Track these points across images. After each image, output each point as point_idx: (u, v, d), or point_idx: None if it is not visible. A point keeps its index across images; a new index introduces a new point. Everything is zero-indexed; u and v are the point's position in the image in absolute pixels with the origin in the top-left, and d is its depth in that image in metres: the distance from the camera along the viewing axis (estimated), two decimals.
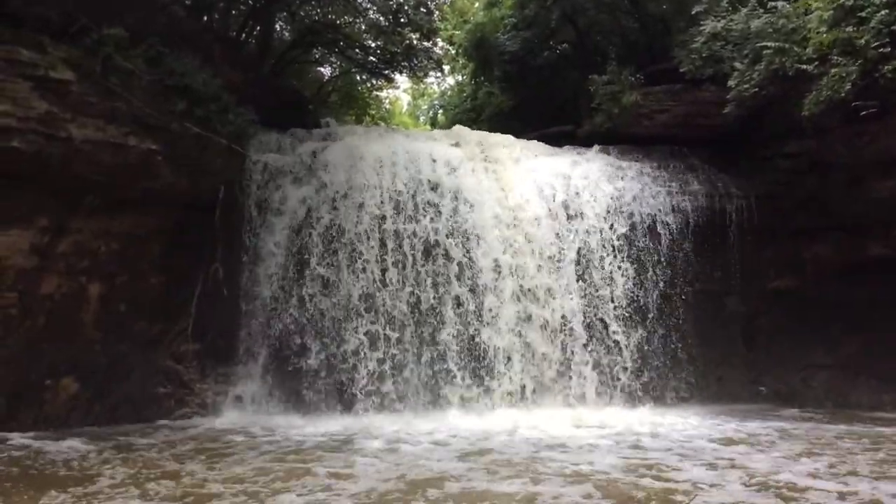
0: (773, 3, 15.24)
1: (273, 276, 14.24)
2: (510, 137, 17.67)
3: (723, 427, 12.66)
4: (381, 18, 20.55)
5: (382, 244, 14.47)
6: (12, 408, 11.59)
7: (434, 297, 14.45)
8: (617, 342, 15.30)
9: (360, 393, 13.60)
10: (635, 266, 15.86)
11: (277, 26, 21.30)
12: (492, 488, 8.02)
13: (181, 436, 11.40)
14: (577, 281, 15.39)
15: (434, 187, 15.20)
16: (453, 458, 9.73)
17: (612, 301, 15.50)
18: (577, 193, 16.14)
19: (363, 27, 21.50)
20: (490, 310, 14.55)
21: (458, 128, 18.36)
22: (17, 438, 10.82)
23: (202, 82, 13.12)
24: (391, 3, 19.83)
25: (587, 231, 15.77)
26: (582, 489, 8.10)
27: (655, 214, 16.21)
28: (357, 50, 22.29)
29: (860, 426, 12.79)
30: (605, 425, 12.60)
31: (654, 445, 10.91)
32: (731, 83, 15.28)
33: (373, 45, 21.83)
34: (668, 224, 16.19)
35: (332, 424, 12.49)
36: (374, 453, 10.01)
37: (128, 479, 8.29)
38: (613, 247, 15.80)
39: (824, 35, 13.53)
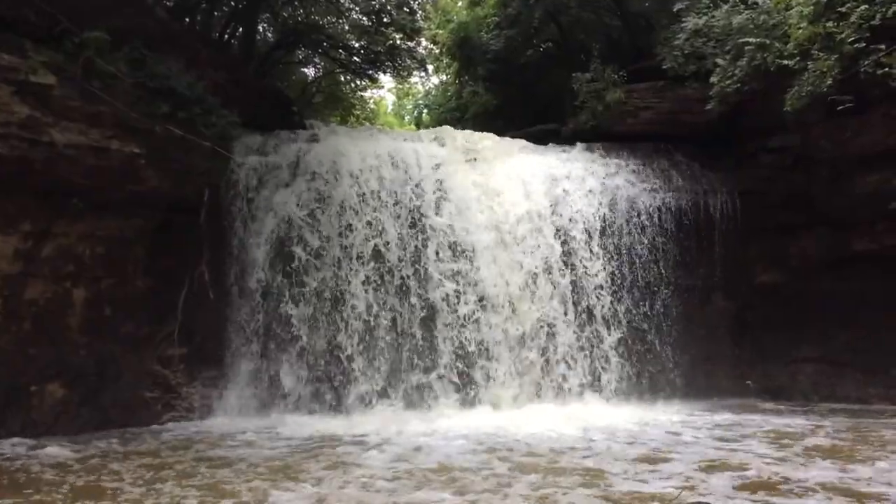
0: None
1: (260, 277, 14.20)
2: (495, 136, 17.67)
3: (712, 421, 12.76)
4: (364, 19, 20.59)
5: (369, 244, 14.45)
6: None
7: (422, 297, 14.46)
8: (603, 339, 15.35)
9: (349, 394, 13.61)
10: (621, 263, 15.93)
11: (260, 28, 21.30)
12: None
13: (163, 443, 11.18)
14: (563, 278, 15.42)
15: (419, 187, 15.20)
16: (442, 462, 9.61)
17: (598, 298, 15.55)
18: (563, 191, 16.20)
19: (346, 28, 21.51)
20: (477, 308, 14.56)
21: (442, 127, 18.36)
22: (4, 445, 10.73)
23: (185, 85, 13.03)
24: (374, 3, 19.87)
25: (572, 228, 15.82)
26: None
27: (640, 211, 16.30)
28: (341, 50, 22.30)
29: None
30: (592, 424, 12.59)
31: (643, 441, 10.97)
32: (713, 79, 15.36)
33: (356, 45, 21.84)
34: (653, 221, 16.29)
35: (320, 426, 12.43)
36: (357, 459, 9.84)
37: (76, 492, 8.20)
38: (599, 244, 15.86)
39: (805, 30, 13.60)
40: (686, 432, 11.79)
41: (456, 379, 14.14)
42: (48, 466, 9.43)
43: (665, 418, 13.22)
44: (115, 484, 8.48)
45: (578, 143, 17.90)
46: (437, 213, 15.05)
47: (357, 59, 22.60)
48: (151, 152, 12.56)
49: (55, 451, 10.29)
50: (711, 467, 9.07)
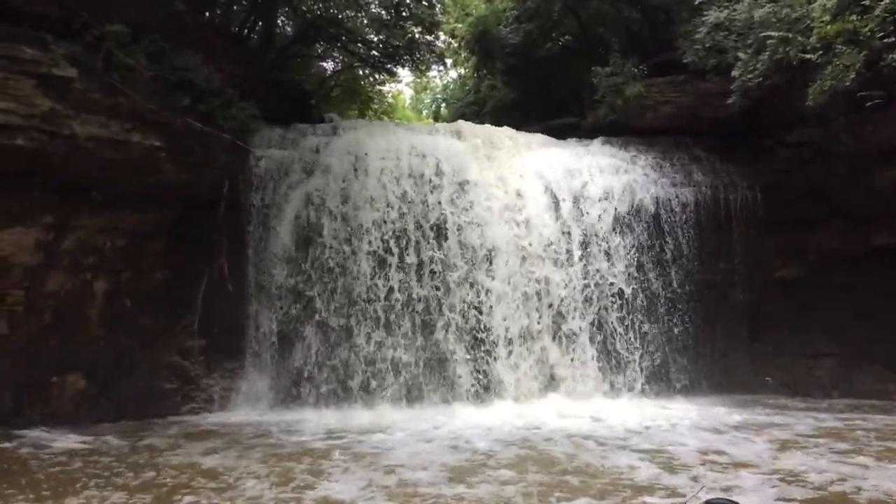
0: None
1: (278, 270, 14.26)
2: (513, 130, 17.63)
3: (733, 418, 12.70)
4: (383, 12, 20.53)
5: (388, 237, 14.46)
6: (19, 404, 11.63)
7: (439, 291, 14.45)
8: (621, 333, 15.29)
9: (369, 388, 13.63)
10: (639, 257, 15.84)
11: (279, 21, 21.28)
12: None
13: (166, 438, 11.09)
14: (581, 273, 15.37)
15: (437, 180, 15.18)
16: (448, 463, 9.38)
17: (616, 293, 15.48)
18: (581, 185, 16.13)
19: (365, 21, 21.45)
20: (494, 301, 14.53)
21: (460, 122, 18.33)
22: (17, 435, 10.84)
23: (204, 77, 13.08)
24: None
25: (591, 223, 15.74)
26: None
27: (659, 206, 16.19)
28: (359, 44, 22.28)
29: None
30: (609, 418, 12.57)
31: (662, 439, 10.92)
32: (734, 73, 15.22)
33: (375, 39, 21.81)
34: (672, 215, 16.18)
35: (338, 420, 12.49)
36: (353, 454, 9.78)
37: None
38: (618, 238, 15.78)
39: (828, 24, 13.46)
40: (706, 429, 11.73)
41: (475, 373, 14.12)
42: (47, 458, 9.54)
43: (680, 414, 13.15)
44: (85, 480, 8.50)
45: (598, 138, 17.82)
46: (455, 207, 15.00)
47: (376, 53, 22.58)
48: (171, 145, 12.63)
49: (63, 443, 10.42)
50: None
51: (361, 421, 12.36)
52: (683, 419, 12.55)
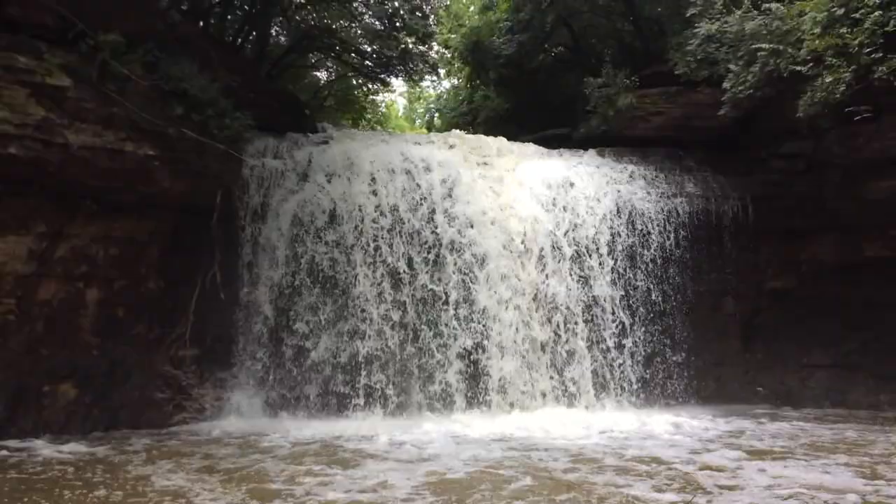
0: (767, 5, 15.26)
1: (270, 280, 14.25)
2: (505, 140, 17.70)
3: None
4: (377, 23, 20.64)
5: (380, 248, 14.48)
6: (12, 413, 11.56)
7: (431, 301, 14.46)
8: (614, 344, 15.31)
9: (358, 398, 13.62)
10: (632, 268, 15.89)
11: (273, 31, 21.36)
12: None
13: (151, 448, 10.86)
14: (574, 283, 15.40)
15: (430, 191, 15.21)
16: (430, 482, 8.88)
17: (609, 303, 15.51)
18: (573, 196, 16.17)
19: (359, 31, 21.57)
20: (486, 313, 14.54)
21: (454, 132, 18.37)
22: (4, 445, 10.74)
23: (199, 87, 13.06)
24: (387, 7, 19.92)
25: (583, 234, 15.78)
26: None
27: (651, 216, 16.26)
28: (353, 54, 22.40)
29: None
30: (602, 428, 12.58)
31: (655, 450, 10.92)
32: (726, 85, 15.32)
33: (368, 49, 21.93)
34: (664, 226, 16.25)
35: (323, 430, 12.38)
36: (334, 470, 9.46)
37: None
38: (610, 249, 15.82)
39: (818, 38, 13.56)
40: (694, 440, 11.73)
41: (467, 385, 14.12)
42: (23, 468, 9.48)
43: (672, 424, 13.14)
44: (45, 493, 8.35)
45: (590, 149, 17.89)
46: (447, 218, 15.03)
47: (369, 63, 22.71)
48: (165, 154, 12.61)
49: (44, 453, 10.32)
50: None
51: (346, 433, 12.17)
52: (677, 430, 12.56)
